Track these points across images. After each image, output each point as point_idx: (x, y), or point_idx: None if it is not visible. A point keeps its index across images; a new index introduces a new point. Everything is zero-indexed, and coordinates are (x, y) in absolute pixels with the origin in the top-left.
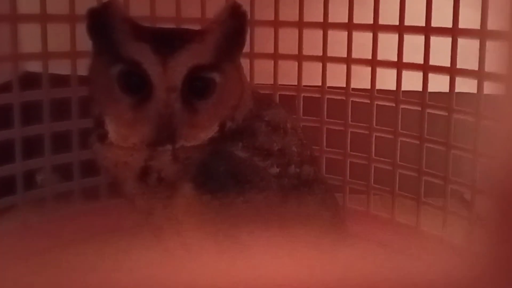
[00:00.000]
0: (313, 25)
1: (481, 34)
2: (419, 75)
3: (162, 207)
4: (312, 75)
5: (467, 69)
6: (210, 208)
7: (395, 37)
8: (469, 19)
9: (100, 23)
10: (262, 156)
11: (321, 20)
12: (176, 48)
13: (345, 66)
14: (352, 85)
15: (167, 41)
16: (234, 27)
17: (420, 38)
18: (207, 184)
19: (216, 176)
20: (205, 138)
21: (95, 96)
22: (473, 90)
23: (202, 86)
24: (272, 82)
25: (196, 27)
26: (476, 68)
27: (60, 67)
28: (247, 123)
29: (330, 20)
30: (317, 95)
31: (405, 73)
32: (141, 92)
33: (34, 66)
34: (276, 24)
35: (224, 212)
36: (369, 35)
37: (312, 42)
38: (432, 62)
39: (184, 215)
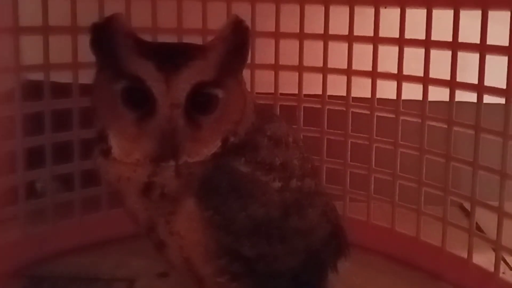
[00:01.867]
0: (314, 36)
1: (481, 48)
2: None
3: (164, 222)
4: (312, 84)
5: (467, 83)
6: (212, 223)
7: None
8: (473, 30)
9: (104, 39)
10: (264, 171)
11: (322, 32)
12: (179, 65)
13: (345, 76)
14: (352, 94)
15: (171, 58)
16: (237, 43)
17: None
18: (209, 199)
19: (219, 191)
20: (208, 154)
21: (99, 111)
22: (473, 99)
23: (205, 102)
24: (272, 92)
25: (198, 38)
26: (476, 78)
27: (61, 76)
28: (249, 138)
29: (331, 32)
30: (317, 106)
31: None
32: (145, 107)
33: (35, 75)
34: (277, 35)
35: (226, 227)
36: (370, 45)
37: (313, 53)
38: (432, 68)
39: (186, 230)
